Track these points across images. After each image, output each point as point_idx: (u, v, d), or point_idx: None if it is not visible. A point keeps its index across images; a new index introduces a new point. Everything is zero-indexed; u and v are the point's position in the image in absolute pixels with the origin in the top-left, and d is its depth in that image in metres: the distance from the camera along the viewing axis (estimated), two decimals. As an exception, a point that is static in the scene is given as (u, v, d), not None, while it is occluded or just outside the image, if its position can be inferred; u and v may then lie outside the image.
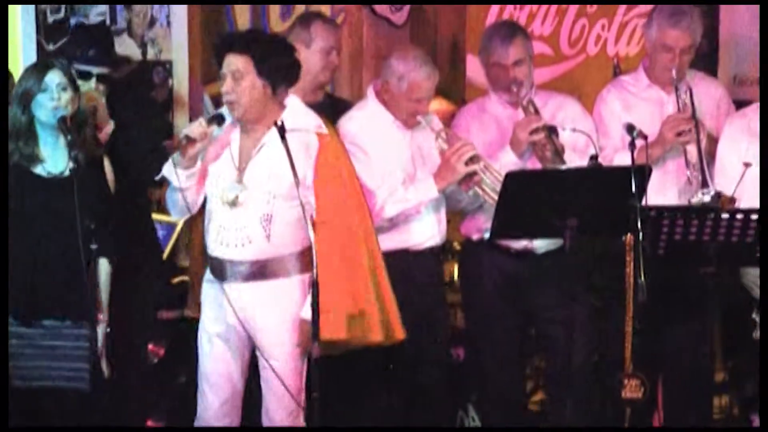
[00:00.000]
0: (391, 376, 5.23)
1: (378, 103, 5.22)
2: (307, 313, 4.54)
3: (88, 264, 4.56)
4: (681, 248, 4.87)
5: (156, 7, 6.29)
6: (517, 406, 5.53)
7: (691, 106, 5.26)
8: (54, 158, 4.73)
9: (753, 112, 5.26)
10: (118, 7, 6.18)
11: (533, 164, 5.20)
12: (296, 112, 4.75)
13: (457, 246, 5.87)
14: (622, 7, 7.31)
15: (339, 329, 4.55)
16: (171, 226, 5.89)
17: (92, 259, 4.61)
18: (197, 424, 4.83)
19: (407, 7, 6.97)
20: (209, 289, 4.80)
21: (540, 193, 4.83)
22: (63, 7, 6.01)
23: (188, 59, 6.36)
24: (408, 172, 5.20)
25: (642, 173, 4.79)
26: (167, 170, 4.72)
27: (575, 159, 5.15)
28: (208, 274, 4.81)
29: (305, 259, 4.66)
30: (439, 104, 5.82)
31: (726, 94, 5.58)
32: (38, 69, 4.76)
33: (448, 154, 5.07)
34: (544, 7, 7.26)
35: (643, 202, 4.77)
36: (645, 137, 5.00)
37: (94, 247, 4.57)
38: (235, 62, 4.65)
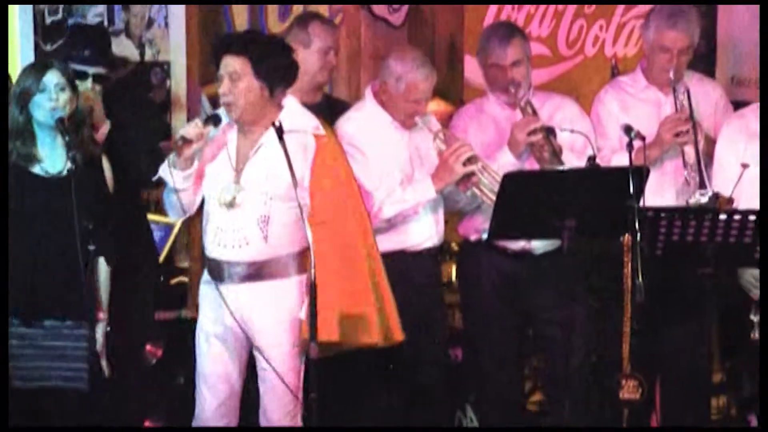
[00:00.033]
0: (389, 377, 5.23)
1: (376, 103, 5.22)
2: (304, 314, 4.54)
3: (86, 264, 4.56)
4: (679, 249, 4.88)
5: (154, 8, 6.28)
6: (515, 407, 5.53)
7: (689, 107, 5.27)
8: (52, 158, 4.73)
9: (751, 112, 5.26)
10: (116, 7, 6.18)
11: (531, 165, 5.21)
12: (294, 113, 4.75)
13: (455, 247, 5.88)
14: (620, 8, 7.31)
15: (332, 331, 4.53)
16: (168, 227, 5.89)
17: (90, 259, 4.61)
18: (195, 424, 4.83)
19: (405, 8, 6.97)
20: (207, 289, 4.80)
21: (538, 194, 4.83)
22: (61, 7, 6.01)
23: (186, 60, 6.35)
24: (406, 172, 5.20)
25: (640, 174, 4.79)
26: (164, 171, 4.72)
27: (573, 160, 5.15)
28: (205, 275, 4.81)
29: (303, 260, 4.66)
30: (437, 105, 5.82)
31: (724, 95, 5.59)
32: (36, 69, 4.75)
33: (446, 154, 5.07)
34: (542, 8, 7.25)
35: (641, 203, 4.77)
36: (643, 138, 5.00)
37: (92, 248, 4.57)
38: (233, 63, 4.65)
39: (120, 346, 4.86)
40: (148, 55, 6.31)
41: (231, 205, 4.68)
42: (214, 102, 5.79)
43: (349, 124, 5.22)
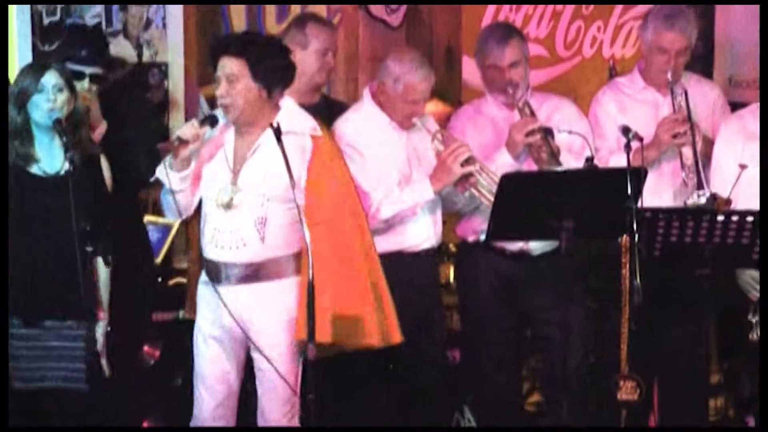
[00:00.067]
0: (386, 378, 5.22)
1: (374, 104, 5.22)
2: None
3: (84, 265, 4.56)
4: (677, 250, 4.88)
5: (152, 8, 6.29)
6: (513, 408, 5.53)
7: (687, 108, 5.27)
8: (49, 158, 4.73)
9: (749, 113, 5.27)
10: (114, 8, 6.18)
11: (529, 166, 5.21)
12: (291, 114, 4.74)
13: (452, 248, 5.88)
14: (618, 9, 7.31)
15: (324, 333, 4.51)
16: (166, 228, 5.89)
17: (88, 260, 4.60)
18: (193, 425, 4.83)
19: (403, 9, 6.97)
20: (205, 290, 4.80)
21: (536, 195, 4.83)
22: (59, 8, 6.01)
23: (184, 61, 6.36)
24: (404, 173, 5.20)
25: (638, 175, 4.79)
26: (160, 173, 4.71)
27: (571, 161, 5.15)
28: (203, 276, 4.81)
29: (300, 260, 4.65)
30: (435, 106, 5.82)
31: (721, 96, 5.59)
32: (35, 70, 4.75)
33: (444, 155, 5.07)
34: (540, 9, 7.26)
35: (639, 204, 4.77)
36: (641, 139, 5.00)
37: (89, 249, 4.57)
38: (230, 65, 4.64)
39: (118, 346, 4.86)
40: (146, 56, 6.31)
41: (228, 206, 4.68)
42: (212, 103, 5.78)
43: (347, 125, 5.22)
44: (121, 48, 6.17)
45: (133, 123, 5.25)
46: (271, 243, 4.67)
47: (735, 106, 5.60)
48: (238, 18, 6.55)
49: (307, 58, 5.35)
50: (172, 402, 5.54)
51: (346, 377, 5.06)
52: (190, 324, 4.93)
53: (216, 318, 4.74)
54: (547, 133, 5.14)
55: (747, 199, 5.05)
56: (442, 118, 5.69)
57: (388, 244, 5.11)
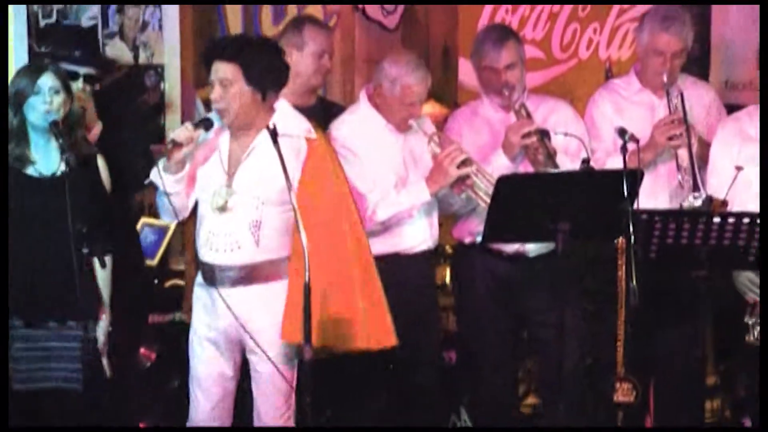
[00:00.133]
0: (383, 379, 5.22)
1: (370, 106, 5.22)
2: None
3: (80, 266, 4.55)
4: (673, 252, 4.88)
5: (148, 10, 6.28)
6: (509, 409, 5.53)
7: (683, 110, 5.27)
8: (45, 160, 4.73)
9: (745, 115, 5.27)
10: (110, 10, 6.18)
11: (525, 168, 5.21)
12: (286, 116, 4.73)
13: (449, 249, 5.87)
14: (614, 12, 7.32)
15: (312, 336, 4.48)
16: (162, 230, 5.88)
17: (85, 261, 4.59)
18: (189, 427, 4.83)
19: (399, 11, 6.97)
20: (200, 292, 4.80)
21: (532, 197, 4.84)
22: (55, 11, 6.00)
23: (180, 63, 6.35)
24: (400, 175, 5.20)
25: (634, 177, 4.79)
26: (154, 175, 4.71)
27: (567, 163, 5.16)
28: (199, 278, 4.81)
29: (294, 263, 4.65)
30: (431, 107, 5.82)
31: (717, 98, 5.60)
32: (31, 71, 4.75)
33: (441, 157, 5.08)
34: (536, 11, 7.26)
35: (635, 206, 4.77)
36: (637, 141, 5.01)
37: (85, 250, 4.56)
38: (223, 69, 4.63)
39: (114, 347, 4.86)
40: (142, 58, 6.31)
41: (223, 209, 4.67)
42: (208, 104, 5.78)
43: (343, 127, 5.22)
44: (117, 50, 6.17)
45: (128, 124, 5.25)
46: (265, 246, 4.67)
47: (731, 108, 5.60)
48: (234, 20, 6.54)
49: (303, 60, 5.35)
50: (168, 404, 5.54)
51: (343, 379, 5.06)
52: (186, 326, 4.92)
53: (212, 320, 4.74)
54: (544, 135, 5.14)
55: (743, 201, 5.05)
56: (439, 119, 5.69)
57: (384, 246, 5.11)
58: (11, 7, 5.79)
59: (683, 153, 5.22)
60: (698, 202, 5.07)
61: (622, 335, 5.11)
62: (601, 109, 5.46)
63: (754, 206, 4.96)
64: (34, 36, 5.94)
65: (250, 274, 4.67)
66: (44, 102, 4.66)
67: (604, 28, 7.32)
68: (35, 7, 5.97)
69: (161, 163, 4.67)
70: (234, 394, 4.82)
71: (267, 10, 6.65)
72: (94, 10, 6.12)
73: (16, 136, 4.70)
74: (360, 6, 6.83)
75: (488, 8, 7.20)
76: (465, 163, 5.06)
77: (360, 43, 6.88)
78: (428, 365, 5.36)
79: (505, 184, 4.81)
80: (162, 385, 5.62)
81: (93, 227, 4.58)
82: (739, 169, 5.09)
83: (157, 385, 5.63)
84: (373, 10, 6.88)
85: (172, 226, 5.82)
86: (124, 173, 5.08)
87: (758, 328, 5.00)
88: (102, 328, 4.76)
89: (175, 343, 5.41)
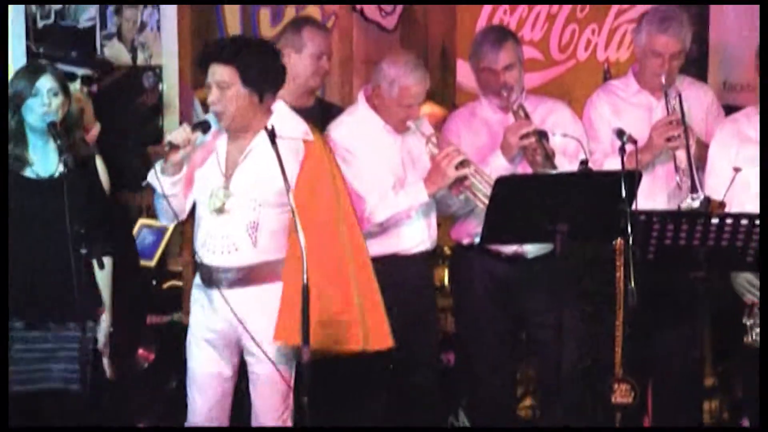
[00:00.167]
0: (381, 380, 5.22)
1: (368, 108, 5.22)
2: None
3: (78, 267, 4.55)
4: (671, 253, 4.88)
5: (146, 12, 6.29)
6: (507, 411, 5.53)
7: (681, 112, 5.27)
8: (43, 161, 4.73)
9: (743, 117, 5.27)
10: (109, 11, 6.18)
11: (524, 169, 5.21)
12: (283, 118, 4.73)
13: (447, 250, 5.88)
14: (613, 13, 7.31)
15: (297, 336, 4.40)
16: (161, 231, 5.88)
17: (83, 262, 4.59)
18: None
19: (397, 12, 6.97)
20: (198, 294, 4.80)
21: (530, 198, 4.83)
22: (53, 12, 6.01)
23: (178, 64, 6.36)
24: (398, 176, 5.20)
25: (632, 178, 4.79)
26: (151, 177, 4.70)
27: (565, 164, 5.16)
28: (197, 279, 4.81)
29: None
30: (429, 108, 5.82)
31: (715, 100, 5.60)
32: (30, 72, 4.75)
33: (439, 158, 5.07)
34: (535, 12, 7.26)
35: (633, 207, 4.77)
36: (635, 142, 5.01)
37: (83, 251, 4.56)
38: (220, 72, 4.63)
39: (114, 348, 4.87)
40: (141, 59, 6.31)
41: (220, 211, 4.67)
42: (207, 105, 5.78)
43: (341, 128, 5.22)
44: (115, 51, 6.17)
45: (127, 125, 5.25)
46: (263, 247, 4.67)
47: (729, 109, 5.60)
48: (232, 21, 6.54)
49: (301, 61, 5.35)
50: (166, 404, 5.54)
51: (341, 380, 5.05)
52: (184, 327, 4.92)
53: (209, 321, 4.74)
54: (542, 136, 5.14)
55: (741, 202, 5.06)
56: (437, 120, 5.69)
57: (382, 247, 5.11)
58: (10, 7, 5.79)
59: (681, 154, 5.22)
60: (696, 204, 5.07)
61: (621, 336, 5.11)
62: (599, 110, 5.47)
63: (752, 207, 4.97)
64: (32, 37, 5.95)
65: (247, 276, 4.67)
66: (42, 104, 4.66)
67: (602, 29, 7.32)
68: (33, 7, 5.97)
69: (158, 165, 4.67)
70: (231, 394, 4.83)
71: (265, 11, 6.65)
72: (92, 11, 6.13)
73: (14, 137, 4.70)
74: (358, 7, 6.83)
75: (486, 9, 7.20)
76: (463, 164, 5.05)
77: (358, 44, 6.88)
78: (426, 366, 5.36)
79: (503, 185, 4.81)
80: (160, 385, 5.62)
81: (91, 228, 4.58)
82: (737, 170, 5.09)
83: (155, 385, 5.63)
84: (371, 11, 6.88)
85: (171, 228, 5.82)
86: (123, 174, 5.08)
87: (756, 329, 5.00)
88: (103, 329, 4.77)
89: (173, 344, 5.41)
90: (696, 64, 6.70)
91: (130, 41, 6.27)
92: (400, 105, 5.13)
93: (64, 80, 4.77)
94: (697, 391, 5.42)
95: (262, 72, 4.65)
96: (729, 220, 4.82)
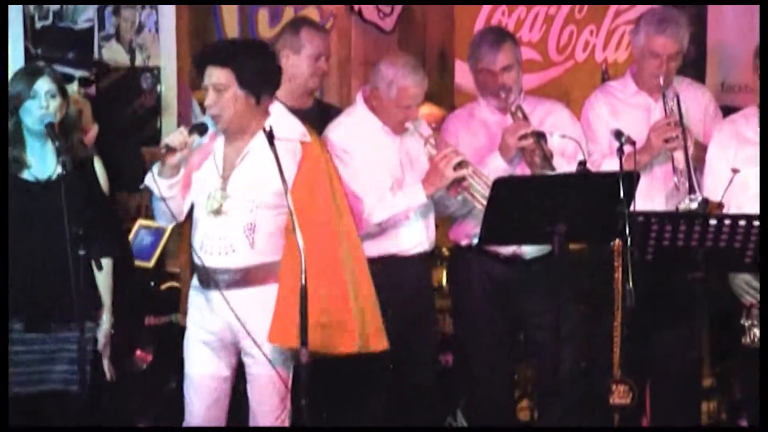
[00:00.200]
0: (379, 381, 5.22)
1: (366, 109, 5.22)
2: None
3: (76, 268, 4.54)
4: (669, 254, 4.88)
5: (144, 13, 6.29)
6: (505, 412, 5.53)
7: (678, 113, 5.27)
8: (41, 163, 4.72)
9: (741, 118, 5.27)
10: (107, 12, 6.18)
11: (522, 170, 5.21)
12: (280, 119, 4.72)
13: (445, 251, 5.88)
14: (611, 14, 7.33)
15: (292, 338, 4.44)
16: (159, 232, 5.88)
17: (82, 263, 4.59)
18: (185, 429, 4.84)
19: (396, 13, 6.97)
20: (196, 295, 4.80)
21: (529, 199, 4.84)
22: (51, 12, 6.00)
23: (176, 65, 6.36)
24: (396, 177, 5.20)
25: (630, 179, 4.79)
26: (149, 180, 4.70)
27: (564, 165, 5.16)
28: (194, 280, 4.81)
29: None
30: (428, 110, 5.82)
31: (713, 101, 5.60)
32: (27, 75, 4.74)
33: (437, 159, 5.07)
34: (533, 13, 7.27)
35: (632, 208, 4.77)
36: (633, 143, 5.01)
37: (82, 252, 4.56)
38: (216, 75, 4.62)
39: (113, 349, 4.87)
40: (139, 60, 6.31)
41: (218, 212, 4.67)
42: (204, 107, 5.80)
43: (339, 129, 5.22)
44: (113, 52, 6.17)
45: (125, 127, 5.25)
46: (260, 249, 4.66)
47: (727, 110, 5.61)
48: (230, 22, 6.54)
49: (300, 62, 5.35)
50: (164, 406, 5.54)
51: (339, 381, 5.05)
52: (182, 328, 4.92)
53: (207, 322, 4.74)
54: (540, 137, 5.14)
55: (739, 203, 5.06)
56: (435, 121, 5.69)
57: (380, 248, 5.11)
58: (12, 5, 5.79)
59: (679, 155, 5.22)
60: (694, 205, 5.07)
61: (619, 337, 5.11)
62: (597, 111, 5.47)
63: (751, 208, 4.97)
64: (30, 38, 5.94)
65: (244, 277, 4.67)
66: (40, 106, 4.65)
67: (600, 31, 7.33)
68: (32, 8, 5.97)
69: (156, 168, 4.67)
70: (229, 396, 4.83)
71: (263, 12, 6.65)
72: (91, 12, 6.12)
73: (12, 139, 4.70)
74: (356, 8, 6.83)
75: (485, 11, 7.21)
76: (461, 165, 5.05)
77: (356, 46, 6.89)
78: (424, 367, 5.36)
79: (501, 186, 4.81)
80: (158, 387, 5.62)
81: (90, 229, 4.57)
82: (735, 171, 5.09)
83: (153, 387, 5.62)
84: (369, 12, 6.88)
85: (169, 229, 5.81)
86: (121, 175, 5.08)
87: (754, 330, 5.00)
88: (103, 330, 4.77)
89: (171, 345, 5.41)
90: (694, 65, 6.73)
91: (128, 42, 6.27)
92: (399, 106, 5.13)
93: (62, 82, 4.77)
94: (695, 392, 5.42)
95: (259, 74, 4.65)
96: (727, 221, 4.82)
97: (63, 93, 4.73)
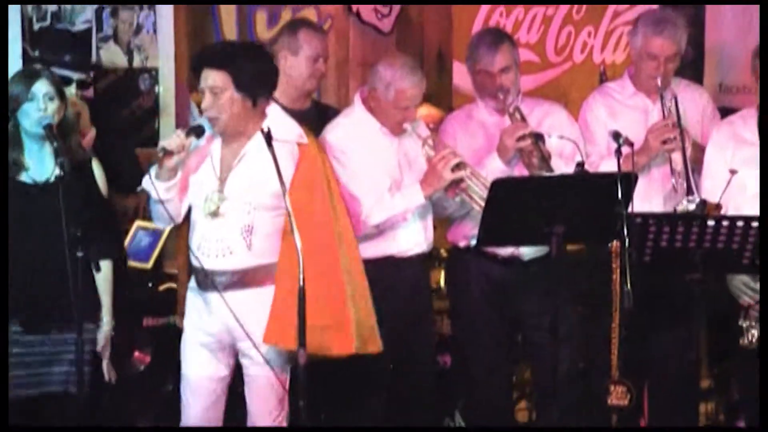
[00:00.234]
0: (377, 382, 5.22)
1: (365, 110, 5.22)
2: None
3: (75, 270, 4.54)
4: (667, 255, 4.88)
5: (142, 14, 6.29)
6: (503, 413, 5.53)
7: (676, 114, 5.28)
8: (39, 166, 4.72)
9: (739, 119, 5.28)
10: (105, 13, 6.17)
11: (520, 171, 5.21)
12: (277, 121, 4.72)
13: (443, 253, 5.88)
14: (609, 15, 7.33)
15: (290, 340, 4.46)
16: (157, 233, 5.87)
17: (81, 265, 4.58)
18: (182, 431, 4.84)
19: (394, 14, 6.97)
20: (193, 297, 4.80)
21: (527, 200, 4.83)
22: (49, 14, 6.00)
23: (174, 66, 6.35)
24: (394, 179, 5.20)
25: (628, 180, 4.80)
26: (146, 183, 4.69)
27: (562, 166, 5.16)
28: (192, 282, 4.81)
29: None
30: (426, 111, 5.82)
31: (711, 102, 5.60)
32: (25, 77, 4.74)
33: (435, 160, 5.08)
34: (531, 14, 7.27)
35: (629, 209, 4.78)
36: (631, 144, 5.02)
37: (80, 254, 4.55)
38: (213, 77, 4.62)
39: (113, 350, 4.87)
40: (137, 61, 6.31)
41: (215, 214, 4.67)
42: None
43: (337, 130, 5.22)
44: (111, 53, 6.17)
45: (123, 128, 5.24)
46: (257, 250, 4.66)
47: (725, 111, 5.61)
48: (228, 23, 6.54)
49: (298, 64, 5.35)
50: (162, 407, 5.53)
51: (336, 382, 5.05)
52: (181, 329, 4.92)
53: (204, 324, 4.74)
54: (538, 138, 5.15)
55: (737, 205, 5.06)
56: (434, 123, 5.69)
57: (378, 250, 5.11)
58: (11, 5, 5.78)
59: (677, 157, 5.23)
60: (692, 206, 5.07)
61: (617, 338, 5.11)
62: (595, 112, 5.47)
63: (749, 209, 4.97)
64: (28, 39, 5.94)
65: (242, 279, 4.67)
66: (38, 108, 4.65)
67: (598, 32, 7.33)
68: (29, 10, 5.96)
69: (153, 170, 4.66)
70: (225, 397, 4.83)
71: (261, 14, 6.65)
72: (88, 13, 6.12)
73: (10, 142, 4.69)
74: (354, 9, 6.83)
75: (483, 12, 7.21)
76: (459, 166, 5.05)
77: (354, 47, 6.89)
78: (423, 368, 5.36)
79: (499, 188, 4.81)
80: (156, 388, 5.61)
81: (88, 231, 4.57)
82: (733, 172, 5.09)
83: (151, 388, 5.62)
84: (367, 13, 6.88)
85: (167, 230, 5.81)
86: (119, 176, 5.08)
87: (752, 331, 5.00)
88: (103, 332, 4.77)
89: (169, 347, 5.40)
90: (692, 67, 6.73)
91: (126, 44, 6.26)
92: (397, 107, 5.13)
93: (60, 84, 4.76)
94: (693, 393, 5.42)
95: (255, 76, 4.65)
96: (725, 223, 4.83)
97: (61, 95, 4.73)
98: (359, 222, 5.04)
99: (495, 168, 5.15)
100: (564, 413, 5.09)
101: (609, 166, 5.08)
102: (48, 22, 6.02)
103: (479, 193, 5.02)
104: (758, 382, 4.65)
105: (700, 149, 5.30)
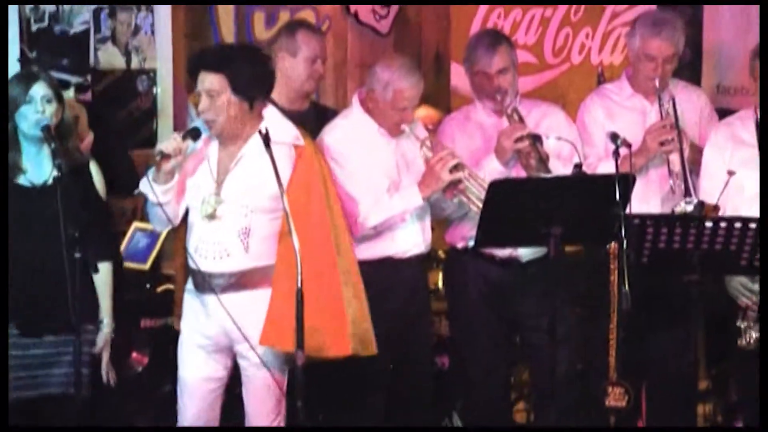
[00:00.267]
0: (375, 383, 5.22)
1: (363, 111, 5.22)
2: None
3: (72, 272, 4.53)
4: (665, 256, 4.89)
5: (140, 15, 6.28)
6: (501, 414, 5.53)
7: (674, 116, 5.28)
8: (36, 169, 4.72)
9: (737, 120, 5.27)
10: (103, 15, 6.17)
11: (518, 172, 5.21)
12: (274, 123, 4.71)
13: (441, 254, 5.88)
14: (606, 16, 7.33)
15: (287, 341, 4.44)
16: (154, 235, 5.87)
17: (78, 267, 4.58)
18: None
19: (392, 16, 6.98)
20: (190, 299, 4.80)
21: (524, 202, 4.83)
22: (47, 15, 6.00)
23: (172, 67, 6.35)
24: (392, 180, 5.20)
25: (626, 182, 4.80)
26: (144, 186, 4.69)
27: (559, 167, 5.16)
28: (189, 284, 4.81)
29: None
30: (424, 112, 5.82)
31: (708, 103, 5.61)
32: (24, 79, 4.73)
33: (433, 161, 5.08)
34: (528, 15, 7.27)
35: (627, 211, 4.78)
36: (629, 146, 5.02)
37: (77, 255, 4.55)
38: (210, 80, 4.62)
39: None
40: (135, 63, 6.31)
41: (212, 217, 4.67)
42: (200, 110, 5.79)
43: (335, 131, 5.22)
44: (109, 55, 6.16)
45: (121, 129, 5.24)
46: (254, 253, 4.66)
47: (723, 112, 5.61)
48: (226, 24, 6.54)
49: (296, 65, 5.35)
50: (160, 408, 5.53)
51: (334, 383, 5.05)
52: (178, 331, 4.91)
53: (201, 326, 4.74)
54: (536, 139, 5.14)
55: (735, 206, 5.06)
56: (432, 124, 5.69)
57: (376, 251, 5.11)
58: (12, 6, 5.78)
59: (675, 158, 5.23)
60: (690, 208, 5.07)
61: (615, 339, 5.11)
62: (593, 113, 5.47)
63: (747, 211, 4.97)
64: (25, 40, 5.94)
65: (239, 281, 4.67)
66: (36, 111, 4.64)
67: (596, 33, 7.33)
68: (27, 11, 5.96)
69: (151, 173, 4.66)
70: (222, 399, 4.83)
71: (259, 15, 6.65)
72: (86, 14, 6.12)
73: (8, 144, 4.69)
74: (352, 10, 6.83)
75: (480, 13, 7.22)
76: (457, 167, 5.06)
77: (352, 48, 6.89)
78: (421, 369, 5.36)
79: (497, 189, 4.81)
80: (154, 389, 5.61)
81: (86, 232, 4.57)
82: (731, 173, 5.09)
83: (149, 389, 5.62)
84: (365, 14, 6.89)
85: (164, 232, 5.81)
86: (117, 178, 5.08)
87: (750, 332, 5.01)
88: (103, 333, 4.76)
89: (167, 348, 5.40)
90: (689, 68, 6.72)
91: (124, 45, 6.26)
92: (395, 108, 5.13)
93: (57, 87, 4.76)
94: (691, 394, 5.42)
95: (252, 79, 4.64)
96: (723, 224, 4.83)
97: (59, 98, 4.73)
98: (357, 223, 5.04)
99: (493, 169, 5.15)
100: (562, 414, 5.09)
101: (607, 167, 5.09)
102: (46, 23, 6.01)
103: (477, 194, 5.02)
104: (758, 383, 4.65)
105: (698, 150, 5.30)
